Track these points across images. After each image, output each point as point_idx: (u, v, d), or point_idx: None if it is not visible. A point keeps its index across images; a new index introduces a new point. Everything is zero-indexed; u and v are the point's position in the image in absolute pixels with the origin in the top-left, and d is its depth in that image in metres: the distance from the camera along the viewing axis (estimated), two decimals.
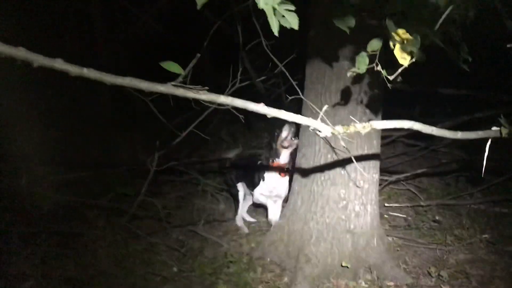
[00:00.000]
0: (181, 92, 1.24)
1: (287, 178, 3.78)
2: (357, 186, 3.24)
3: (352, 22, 1.65)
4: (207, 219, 4.13)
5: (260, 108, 1.34)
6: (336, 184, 3.25)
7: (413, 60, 1.42)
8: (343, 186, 3.25)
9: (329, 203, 3.28)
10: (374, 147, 3.29)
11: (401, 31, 1.37)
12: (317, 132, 1.51)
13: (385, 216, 4.20)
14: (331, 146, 3.20)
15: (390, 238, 3.70)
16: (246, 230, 4.02)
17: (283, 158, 3.70)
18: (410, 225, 4.05)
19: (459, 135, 1.85)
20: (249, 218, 4.27)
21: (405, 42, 1.36)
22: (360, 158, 3.22)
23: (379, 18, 1.66)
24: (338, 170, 3.24)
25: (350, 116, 2.46)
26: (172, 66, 1.29)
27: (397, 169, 5.07)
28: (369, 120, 3.09)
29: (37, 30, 4.77)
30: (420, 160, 5.41)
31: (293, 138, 3.59)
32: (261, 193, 3.87)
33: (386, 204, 4.29)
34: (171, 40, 5.45)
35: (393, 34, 1.37)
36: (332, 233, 3.27)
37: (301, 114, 3.32)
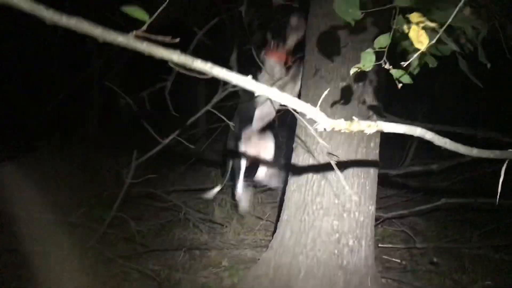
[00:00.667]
0: (144, 47, 1.01)
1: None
2: (352, 217, 2.98)
3: (358, 14, 1.47)
4: (189, 248, 3.80)
5: (247, 82, 1.11)
6: (329, 215, 2.99)
7: (432, 42, 1.22)
8: (336, 217, 2.99)
9: (320, 236, 3.00)
10: (371, 176, 3.07)
11: (416, 15, 1.19)
12: (313, 127, 1.26)
13: (379, 257, 3.91)
14: (324, 171, 2.97)
15: (384, 280, 3.41)
16: (246, 205, 3.97)
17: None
18: (405, 268, 3.75)
19: (475, 152, 1.63)
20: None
21: (421, 24, 1.18)
22: (356, 187, 2.99)
23: (385, 12, 1.47)
24: (331, 199, 2.99)
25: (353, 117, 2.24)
26: (136, 12, 1.06)
27: (390, 210, 4.82)
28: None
29: None
30: (414, 202, 5.18)
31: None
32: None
33: (380, 245, 4.02)
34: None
35: (409, 16, 1.19)
36: (323, 269, 2.97)
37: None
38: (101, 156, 5.92)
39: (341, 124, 1.26)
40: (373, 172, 3.08)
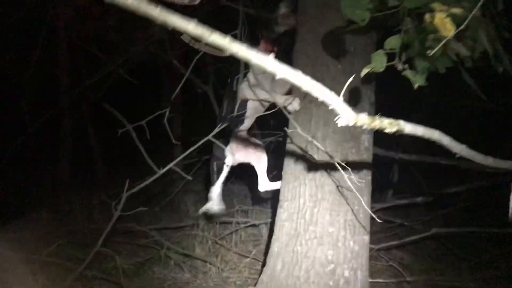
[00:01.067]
0: (158, 13, 0.88)
1: None
2: (347, 247, 2.85)
3: (365, 15, 1.43)
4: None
5: (267, 61, 1.01)
6: (323, 244, 2.85)
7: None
8: (331, 246, 2.85)
9: (314, 267, 2.84)
10: (365, 203, 2.96)
11: (438, 4, 1.15)
12: (336, 119, 1.17)
13: None
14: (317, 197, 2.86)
15: None
16: (215, 208, 3.66)
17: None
18: None
19: (490, 161, 1.57)
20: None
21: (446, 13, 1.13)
22: (350, 216, 2.88)
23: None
24: (325, 227, 2.86)
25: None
26: None
27: (377, 242, 4.71)
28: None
29: None
30: (400, 235, 5.09)
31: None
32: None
33: (370, 280, 3.87)
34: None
35: (433, 5, 1.14)
36: None
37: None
38: (73, 195, 5.64)
39: (363, 119, 1.17)
40: (366, 199, 2.98)
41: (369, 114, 2.69)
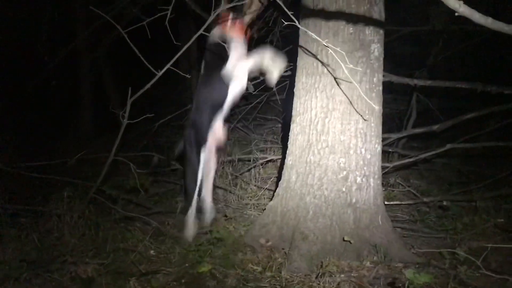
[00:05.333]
0: None
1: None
2: (359, 154, 2.91)
3: None
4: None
5: None
6: (335, 153, 2.92)
7: None
8: (343, 154, 2.91)
9: (327, 174, 2.92)
10: (376, 113, 3.00)
11: None
12: None
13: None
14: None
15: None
16: (190, 234, 3.13)
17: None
18: (415, 218, 3.68)
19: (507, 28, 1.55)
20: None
21: None
22: (361, 123, 2.93)
23: None
24: (337, 136, 2.92)
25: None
26: None
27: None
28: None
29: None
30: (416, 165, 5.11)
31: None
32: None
33: (386, 203, 3.94)
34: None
35: None
36: (332, 208, 2.89)
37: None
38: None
39: None
40: (377, 109, 3.01)
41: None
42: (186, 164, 3.33)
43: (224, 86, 3.23)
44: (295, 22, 2.52)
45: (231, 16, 3.32)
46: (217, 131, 3.35)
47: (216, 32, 3.30)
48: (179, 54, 2.85)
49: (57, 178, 4.19)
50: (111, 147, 3.30)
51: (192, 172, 3.23)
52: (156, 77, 2.82)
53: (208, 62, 3.37)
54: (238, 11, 3.35)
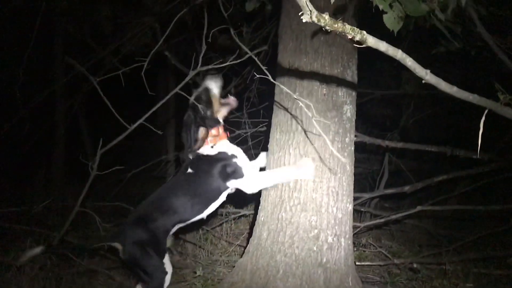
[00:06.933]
0: None
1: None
2: (330, 213, 2.91)
3: None
4: None
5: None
6: (306, 210, 2.91)
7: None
8: (314, 212, 2.90)
9: (298, 232, 2.89)
10: (348, 172, 3.04)
11: None
12: (300, 17, 1.25)
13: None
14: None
15: None
16: None
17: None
18: (385, 280, 3.64)
19: (455, 90, 1.65)
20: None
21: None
22: (333, 182, 2.95)
23: None
24: (309, 194, 2.92)
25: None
26: None
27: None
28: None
29: None
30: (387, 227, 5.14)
31: (229, 95, 3.11)
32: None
33: (358, 263, 3.90)
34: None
35: None
36: (302, 267, 2.84)
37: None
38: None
39: (325, 18, 1.25)
40: (349, 168, 3.05)
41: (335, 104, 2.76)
42: (145, 274, 2.76)
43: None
44: (269, 77, 2.60)
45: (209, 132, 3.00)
46: None
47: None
48: (153, 109, 2.88)
49: (20, 226, 4.03)
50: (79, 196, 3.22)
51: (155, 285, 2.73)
52: (127, 131, 2.82)
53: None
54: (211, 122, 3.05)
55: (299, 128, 2.97)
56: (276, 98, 3.18)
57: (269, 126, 3.31)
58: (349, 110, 3.06)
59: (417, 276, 3.50)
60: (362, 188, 5.77)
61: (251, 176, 2.90)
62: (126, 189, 5.84)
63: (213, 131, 2.99)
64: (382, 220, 4.08)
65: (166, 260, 2.76)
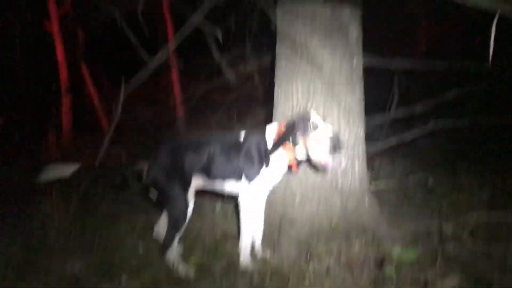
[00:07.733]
0: None
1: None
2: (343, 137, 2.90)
3: None
4: None
5: None
6: None
7: None
8: None
9: None
10: (357, 96, 2.99)
11: None
12: None
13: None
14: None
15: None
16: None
17: (300, 152, 2.55)
18: (401, 199, 3.70)
19: None
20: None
21: None
22: (342, 107, 2.91)
23: None
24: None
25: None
26: None
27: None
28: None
29: None
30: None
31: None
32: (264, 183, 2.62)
33: (372, 185, 3.95)
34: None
35: None
36: (318, 193, 2.89)
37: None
38: None
39: None
40: (359, 92, 3.00)
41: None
42: (165, 202, 2.68)
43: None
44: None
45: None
46: None
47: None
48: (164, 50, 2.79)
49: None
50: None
51: (174, 215, 2.62)
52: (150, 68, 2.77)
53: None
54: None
55: (305, 55, 2.89)
56: (279, 24, 3.07)
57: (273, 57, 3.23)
58: (355, 31, 2.95)
59: (433, 193, 3.54)
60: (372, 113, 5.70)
61: (252, 189, 2.61)
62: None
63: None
64: (396, 141, 4.05)
65: (190, 195, 2.68)
